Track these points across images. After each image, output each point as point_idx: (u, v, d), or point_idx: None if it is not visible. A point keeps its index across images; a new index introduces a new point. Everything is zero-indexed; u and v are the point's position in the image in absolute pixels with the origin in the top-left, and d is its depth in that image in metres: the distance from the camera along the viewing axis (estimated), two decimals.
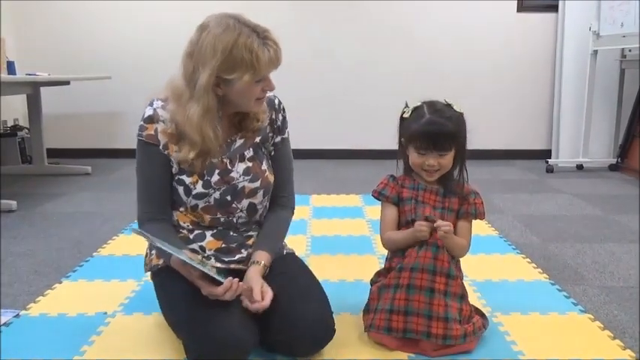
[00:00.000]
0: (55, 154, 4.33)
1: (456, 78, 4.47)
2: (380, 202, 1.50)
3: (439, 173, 1.41)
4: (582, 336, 1.52)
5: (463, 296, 1.42)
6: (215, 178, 1.35)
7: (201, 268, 1.20)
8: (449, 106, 1.41)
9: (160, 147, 1.34)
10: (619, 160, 4.16)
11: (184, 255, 1.22)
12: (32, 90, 3.80)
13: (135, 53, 4.44)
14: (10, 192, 3.27)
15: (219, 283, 1.20)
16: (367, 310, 1.49)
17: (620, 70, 4.13)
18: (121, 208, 2.94)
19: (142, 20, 4.41)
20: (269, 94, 1.40)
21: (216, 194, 1.36)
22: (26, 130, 4.21)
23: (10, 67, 3.55)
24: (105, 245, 2.30)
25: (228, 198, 1.37)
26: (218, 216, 1.39)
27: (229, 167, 1.37)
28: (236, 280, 1.21)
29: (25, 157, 4.15)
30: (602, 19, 3.83)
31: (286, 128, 1.48)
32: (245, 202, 1.40)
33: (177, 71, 1.31)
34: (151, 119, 1.33)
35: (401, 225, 1.46)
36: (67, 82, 4.08)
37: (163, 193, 1.37)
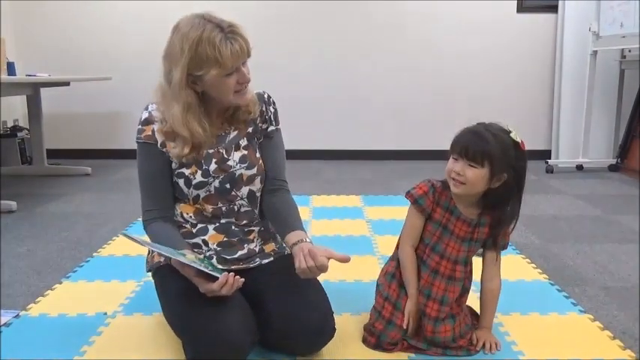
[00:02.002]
0: (55, 154, 4.33)
1: (456, 78, 4.48)
2: (408, 203, 1.43)
3: (464, 189, 1.31)
4: (582, 336, 1.52)
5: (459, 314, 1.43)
6: (213, 166, 1.39)
7: (195, 265, 1.20)
8: (506, 131, 1.33)
9: (158, 145, 1.37)
10: (619, 160, 4.16)
11: (178, 255, 1.22)
12: (32, 91, 3.81)
13: (135, 54, 4.44)
14: (10, 192, 3.27)
15: (216, 280, 1.20)
16: (371, 329, 1.45)
17: (620, 70, 4.13)
18: (121, 208, 2.94)
19: (142, 21, 4.41)
20: (258, 90, 1.46)
21: (216, 182, 1.39)
22: (26, 131, 4.21)
23: (10, 68, 3.56)
24: (105, 246, 2.30)
25: (228, 186, 1.40)
26: (219, 205, 1.41)
27: (226, 156, 1.40)
28: (232, 274, 1.22)
29: (25, 158, 4.16)
30: (602, 19, 3.83)
31: (278, 120, 1.51)
32: (245, 190, 1.42)
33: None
34: (147, 121, 1.39)
35: (421, 240, 1.43)
36: (67, 83, 4.08)
37: (165, 189, 1.40)
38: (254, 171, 1.43)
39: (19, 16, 4.40)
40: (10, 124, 4.31)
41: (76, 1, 4.39)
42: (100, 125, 4.62)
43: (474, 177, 1.29)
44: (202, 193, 1.39)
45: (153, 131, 1.38)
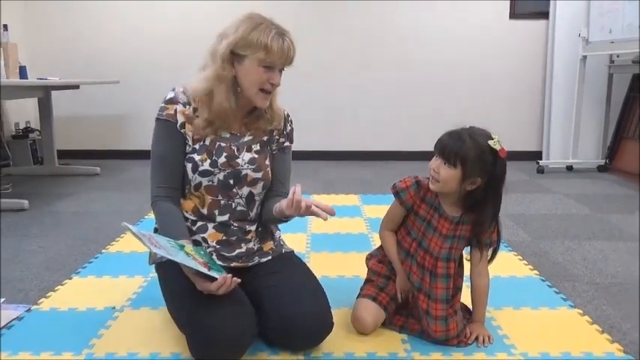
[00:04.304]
0: (65, 155, 4.38)
1: (449, 82, 4.53)
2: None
3: (438, 186, 1.37)
4: (572, 330, 1.55)
5: (452, 315, 1.46)
6: (222, 159, 1.42)
7: (192, 265, 1.21)
8: (488, 137, 1.34)
9: (178, 125, 1.41)
10: (607, 161, 4.21)
11: (175, 255, 1.21)
12: (43, 93, 3.85)
13: (142, 59, 4.51)
14: (21, 191, 3.31)
15: (215, 279, 1.23)
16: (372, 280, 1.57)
17: (609, 74, 4.17)
18: (129, 207, 2.99)
19: (149, 27, 4.48)
20: (281, 106, 1.52)
21: (220, 175, 1.42)
22: (37, 132, 4.26)
23: (22, 72, 3.60)
24: (113, 243, 2.34)
25: (231, 182, 1.43)
26: (219, 198, 1.44)
27: (236, 154, 1.44)
28: (229, 275, 1.24)
29: (36, 158, 4.21)
30: (592, 25, 3.86)
31: (293, 138, 1.58)
32: (245, 190, 1.46)
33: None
34: (172, 101, 1.42)
35: (406, 230, 1.50)
36: (77, 86, 4.12)
37: (177, 169, 1.43)
38: (259, 175, 1.46)
39: (30, 23, 4.47)
40: (22, 126, 4.36)
41: (86, 9, 4.46)
42: (109, 127, 4.67)
43: (447, 176, 1.34)
44: (205, 182, 1.42)
45: (175, 111, 1.41)
